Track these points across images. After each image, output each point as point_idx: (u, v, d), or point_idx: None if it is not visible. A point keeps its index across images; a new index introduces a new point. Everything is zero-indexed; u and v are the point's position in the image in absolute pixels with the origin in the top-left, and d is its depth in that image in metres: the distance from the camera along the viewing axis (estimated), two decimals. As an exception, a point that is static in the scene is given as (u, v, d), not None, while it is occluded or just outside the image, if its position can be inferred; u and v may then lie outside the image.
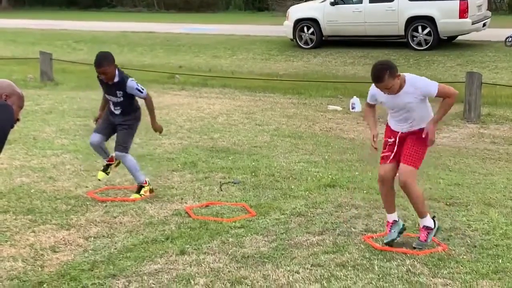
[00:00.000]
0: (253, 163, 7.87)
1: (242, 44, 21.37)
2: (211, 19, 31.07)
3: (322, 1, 19.61)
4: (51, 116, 10.77)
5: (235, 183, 7.04)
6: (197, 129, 9.91)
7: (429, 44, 18.29)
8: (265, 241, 5.43)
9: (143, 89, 6.45)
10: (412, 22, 18.30)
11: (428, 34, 18.22)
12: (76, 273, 4.78)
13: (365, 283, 4.61)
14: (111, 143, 6.79)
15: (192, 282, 4.64)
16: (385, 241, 5.34)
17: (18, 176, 7.21)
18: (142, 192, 6.56)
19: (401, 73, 5.14)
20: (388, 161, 5.35)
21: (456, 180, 7.33)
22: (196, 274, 4.76)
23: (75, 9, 39.37)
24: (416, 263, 4.96)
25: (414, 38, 18.42)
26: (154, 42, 22.57)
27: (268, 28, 24.26)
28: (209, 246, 5.29)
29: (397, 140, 5.32)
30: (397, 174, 5.29)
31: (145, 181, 6.62)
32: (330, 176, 7.31)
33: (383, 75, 5.03)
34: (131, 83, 6.38)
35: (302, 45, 19.83)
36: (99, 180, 6.79)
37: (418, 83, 5.19)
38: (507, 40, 18.22)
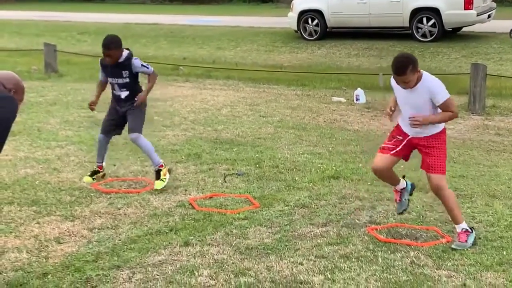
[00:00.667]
0: (257, 155, 7.87)
1: (246, 36, 21.33)
2: (215, 10, 31.01)
3: (327, -8, 19.55)
4: (56, 107, 10.78)
5: (239, 175, 7.04)
6: (201, 121, 9.91)
7: (434, 35, 18.22)
8: (269, 232, 5.43)
9: (148, 65, 6.55)
10: (417, 13, 18.23)
11: (433, 25, 18.15)
12: (81, 264, 4.79)
13: (369, 275, 4.62)
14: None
15: (196, 273, 4.64)
16: (397, 212, 5.43)
17: (22, 168, 7.22)
18: (162, 176, 6.55)
19: (420, 70, 5.08)
20: (387, 153, 5.30)
21: (460, 172, 7.32)
22: (200, 266, 4.77)
23: (79, 0, 39.36)
24: (420, 255, 4.95)
25: (419, 30, 18.36)
26: (158, 34, 22.54)
27: (272, 19, 24.21)
28: (213, 238, 5.30)
29: (405, 141, 5.27)
30: (428, 182, 5.25)
31: (161, 163, 6.61)
32: (334, 167, 7.30)
33: (406, 68, 4.95)
34: (136, 61, 6.45)
35: (307, 37, 19.78)
36: (83, 182, 6.70)
37: (431, 83, 5.08)
38: (512, 31, 18.16)
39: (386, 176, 5.46)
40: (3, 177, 6.82)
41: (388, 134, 5.46)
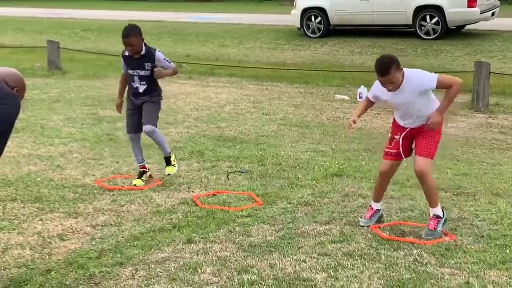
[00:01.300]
0: (260, 152, 7.87)
1: (250, 33, 21.33)
2: (218, 8, 31.02)
3: (330, -10, 19.54)
4: (59, 104, 10.79)
5: (242, 172, 7.04)
6: (204, 118, 9.91)
7: (437, 33, 18.20)
8: (272, 230, 5.43)
9: (170, 61, 6.60)
10: (420, 11, 18.21)
11: (436, 23, 18.13)
12: (84, 261, 4.79)
13: (372, 273, 4.61)
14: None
15: (199, 270, 4.64)
16: (361, 224, 5.48)
17: (25, 165, 7.23)
18: (172, 162, 6.75)
19: (402, 68, 5.12)
20: (391, 158, 5.40)
21: (463, 170, 7.31)
22: (203, 263, 4.77)
23: (83, -3, 39.36)
24: (423, 252, 4.95)
25: (422, 28, 18.33)
26: (162, 31, 22.54)
27: (276, 17, 24.20)
28: (216, 235, 5.30)
29: (403, 135, 5.31)
30: (414, 164, 5.27)
31: (170, 151, 6.78)
32: (337, 165, 7.30)
33: (389, 67, 4.99)
34: (159, 54, 6.49)
35: (310, 34, 19.78)
36: (134, 185, 6.57)
37: (415, 78, 5.12)
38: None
39: (385, 184, 5.58)
40: (6, 174, 6.83)
41: (389, 135, 5.48)
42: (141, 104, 6.56)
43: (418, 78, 5.14)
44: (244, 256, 4.89)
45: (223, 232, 5.37)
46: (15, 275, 4.58)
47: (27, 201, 6.07)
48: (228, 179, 6.85)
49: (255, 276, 4.56)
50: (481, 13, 18.00)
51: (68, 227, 5.48)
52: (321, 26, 19.58)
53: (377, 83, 5.29)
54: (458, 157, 7.99)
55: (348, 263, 4.77)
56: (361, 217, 5.68)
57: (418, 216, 5.75)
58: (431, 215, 5.35)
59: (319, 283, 4.46)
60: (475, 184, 6.72)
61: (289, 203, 6.08)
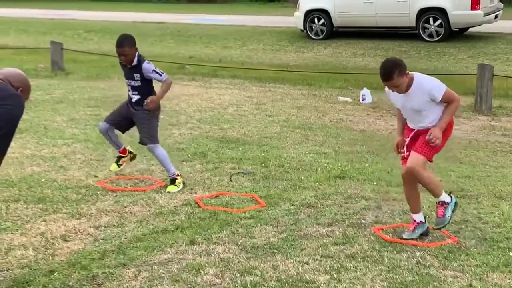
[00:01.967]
0: (263, 154, 7.87)
1: (253, 35, 21.34)
2: (221, 9, 31.04)
3: (333, -8, 19.54)
4: (62, 105, 10.80)
5: (245, 174, 7.04)
6: (207, 120, 9.91)
7: (441, 35, 18.18)
8: (275, 231, 5.43)
9: (162, 73, 6.43)
10: (424, 13, 18.20)
11: (440, 25, 18.12)
12: (87, 262, 4.80)
13: (374, 275, 4.61)
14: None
15: (202, 272, 4.65)
16: (404, 237, 5.28)
17: (29, 165, 7.24)
18: (176, 183, 6.52)
19: (409, 72, 5.08)
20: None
21: (467, 172, 7.30)
22: (206, 264, 4.77)
23: (86, -1, 39.42)
24: (426, 255, 4.95)
25: (426, 30, 18.33)
26: (165, 33, 22.56)
27: (279, 18, 24.21)
28: (219, 236, 5.30)
29: (411, 139, 5.28)
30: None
31: (177, 173, 6.59)
32: (340, 167, 7.30)
33: (392, 72, 4.95)
34: (147, 65, 6.34)
35: (313, 36, 19.77)
36: (110, 170, 6.79)
37: (425, 84, 5.09)
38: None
39: (412, 188, 5.33)
40: (9, 174, 6.84)
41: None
42: (137, 118, 6.49)
43: (427, 83, 5.10)
44: (247, 258, 4.89)
45: (226, 233, 5.38)
46: (18, 275, 4.58)
47: (30, 201, 6.08)
48: (231, 180, 6.85)
49: (258, 277, 4.56)
50: (484, 16, 17.99)
51: (71, 228, 5.48)
52: (324, 28, 19.58)
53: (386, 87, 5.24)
54: (461, 159, 7.98)
55: (351, 265, 4.77)
56: (364, 219, 5.67)
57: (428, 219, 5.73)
58: (437, 203, 5.27)
59: (322, 285, 4.46)
60: (478, 187, 6.72)
61: (292, 205, 6.08)
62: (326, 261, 4.82)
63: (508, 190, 6.62)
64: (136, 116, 6.51)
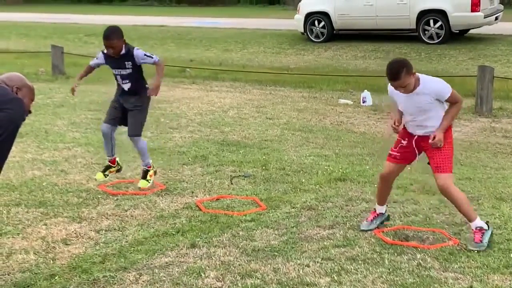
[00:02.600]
0: (263, 157, 7.87)
1: (253, 38, 21.35)
2: (222, 12, 31.07)
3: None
4: (63, 109, 10.82)
5: (245, 177, 7.05)
6: (207, 123, 9.92)
7: (441, 37, 18.19)
8: (276, 234, 5.43)
9: (152, 55, 6.44)
10: (424, 15, 18.20)
11: (440, 27, 18.13)
12: (88, 265, 4.80)
13: (375, 277, 4.61)
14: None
15: (203, 275, 4.65)
16: (361, 228, 5.46)
17: (30, 169, 7.25)
18: (148, 177, 6.57)
19: (416, 72, 5.09)
20: (394, 161, 5.38)
21: (467, 174, 7.30)
22: (207, 267, 4.77)
23: (87, 3, 39.49)
24: (426, 257, 4.95)
25: (426, 32, 18.33)
26: (165, 36, 22.58)
27: (279, 21, 24.23)
28: (220, 239, 5.31)
29: (414, 144, 5.28)
30: (435, 182, 5.24)
31: (150, 164, 6.64)
32: (340, 170, 7.30)
33: (400, 72, 4.95)
34: (138, 52, 6.36)
35: (313, 39, 19.79)
36: (95, 180, 6.71)
37: (432, 84, 5.12)
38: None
39: (387, 188, 5.54)
40: (10, 178, 6.85)
41: (396, 137, 5.46)
42: (128, 109, 6.51)
43: (435, 84, 5.13)
44: (247, 261, 4.89)
45: (227, 236, 5.38)
46: (19, 279, 4.59)
47: (31, 205, 6.09)
48: (232, 183, 6.85)
49: (258, 280, 4.56)
50: (484, 18, 18.00)
51: (72, 231, 5.49)
52: (324, 31, 19.59)
53: (389, 86, 5.24)
54: (462, 161, 7.98)
55: (352, 267, 4.77)
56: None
57: (422, 220, 5.75)
58: (473, 228, 5.18)
59: (323, 287, 4.46)
60: (479, 189, 6.72)
61: (293, 208, 6.08)
62: (327, 264, 4.83)
63: (509, 192, 6.62)
64: (128, 105, 6.50)
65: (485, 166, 7.78)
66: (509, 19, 20.22)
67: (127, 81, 6.45)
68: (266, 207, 6.07)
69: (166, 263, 4.86)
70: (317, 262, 4.86)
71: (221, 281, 4.56)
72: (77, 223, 5.68)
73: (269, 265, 4.80)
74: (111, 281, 4.57)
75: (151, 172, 6.63)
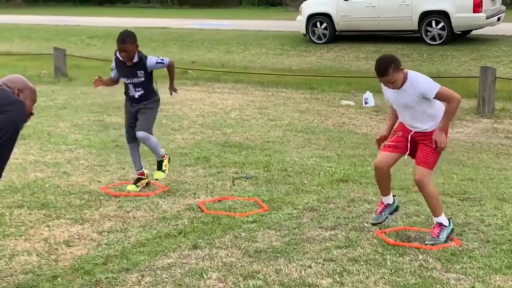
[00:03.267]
0: (265, 158, 7.88)
1: (255, 39, 21.36)
2: (224, 14, 31.09)
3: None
4: (65, 111, 10.83)
5: (247, 178, 7.05)
6: (209, 124, 9.93)
7: (443, 38, 18.17)
8: (278, 235, 5.44)
9: (163, 59, 6.51)
10: (426, 16, 18.19)
11: (442, 28, 18.11)
12: (90, 267, 4.81)
13: (377, 278, 4.61)
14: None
15: (205, 276, 4.66)
16: (371, 222, 5.47)
17: (32, 171, 7.26)
18: (163, 167, 6.64)
19: (404, 69, 5.13)
20: (389, 150, 5.37)
21: (469, 175, 7.30)
22: (209, 269, 4.78)
23: (89, 5, 39.56)
24: (429, 258, 4.95)
25: (428, 33, 18.32)
26: (167, 38, 22.60)
27: (281, 23, 24.24)
28: (222, 241, 5.31)
29: (409, 138, 5.30)
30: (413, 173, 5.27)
31: (163, 153, 6.69)
32: (342, 171, 7.30)
33: (387, 68, 5.02)
34: (151, 59, 6.44)
35: (315, 40, 19.78)
36: (128, 191, 6.60)
37: (418, 82, 5.13)
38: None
39: (384, 177, 5.47)
40: (13, 180, 6.86)
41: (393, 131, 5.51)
42: (137, 111, 6.56)
43: (419, 82, 5.14)
44: (249, 262, 4.89)
45: (229, 237, 5.38)
46: (21, 281, 4.60)
47: (33, 207, 6.10)
48: (234, 185, 6.86)
49: (260, 281, 4.57)
50: (486, 18, 17.97)
51: (75, 233, 5.50)
52: (326, 32, 19.59)
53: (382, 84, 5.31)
54: (464, 162, 7.98)
55: (354, 268, 4.77)
56: (367, 223, 5.67)
57: (424, 221, 5.74)
58: (435, 223, 5.33)
59: (325, 288, 4.47)
60: (481, 189, 6.71)
61: (295, 209, 6.09)
62: (329, 265, 4.83)
63: (511, 192, 6.61)
64: (139, 108, 6.55)
65: (487, 167, 7.78)
66: (511, 20, 20.19)
67: (140, 89, 6.50)
68: (268, 208, 6.07)
69: (168, 264, 4.87)
70: (319, 263, 4.86)
71: (223, 282, 4.56)
72: (79, 225, 5.69)
73: (271, 266, 4.81)
74: (113, 283, 4.58)
75: (165, 162, 6.69)
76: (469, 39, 19.01)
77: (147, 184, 6.81)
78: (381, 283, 4.53)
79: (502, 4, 20.10)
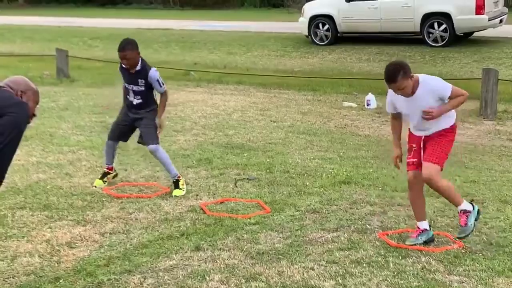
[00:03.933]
0: (268, 160, 7.87)
1: (257, 41, 21.35)
2: (226, 15, 31.08)
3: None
4: (67, 112, 10.84)
5: (250, 180, 7.05)
6: (212, 126, 9.93)
7: (445, 40, 18.15)
8: (280, 237, 5.43)
9: (163, 84, 6.53)
10: (428, 18, 18.17)
11: (444, 30, 18.09)
12: (92, 268, 4.81)
13: (380, 280, 4.61)
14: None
15: (207, 278, 4.65)
16: (407, 243, 5.26)
17: (34, 173, 7.26)
18: (180, 186, 6.61)
19: (414, 74, 5.09)
20: (414, 168, 5.29)
21: (472, 177, 7.29)
22: (211, 270, 4.77)
23: (91, 6, 39.57)
24: (431, 260, 4.94)
25: (430, 35, 18.30)
26: (169, 39, 22.60)
27: (283, 24, 24.22)
28: (224, 243, 5.31)
29: (421, 144, 5.26)
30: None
31: (179, 174, 6.67)
32: (345, 172, 7.29)
33: (396, 75, 4.95)
34: (154, 73, 6.44)
35: (317, 42, 19.77)
36: (94, 187, 6.73)
37: (432, 84, 5.12)
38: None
39: (418, 196, 5.34)
40: (15, 182, 6.86)
41: (407, 145, 5.42)
42: (134, 119, 6.59)
43: (434, 82, 5.14)
44: (252, 264, 4.89)
45: (231, 239, 5.38)
46: (24, 283, 4.59)
47: (36, 209, 6.10)
48: (236, 186, 6.86)
49: (263, 283, 4.56)
50: (489, 20, 17.95)
51: (77, 234, 5.50)
52: (328, 34, 19.57)
53: (389, 92, 5.23)
54: (467, 164, 7.97)
55: (356, 270, 4.76)
56: (369, 225, 5.67)
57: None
58: (459, 211, 5.25)
59: (327, 290, 4.46)
60: (484, 192, 6.70)
61: (297, 211, 6.08)
62: (331, 267, 4.82)
63: (514, 194, 6.61)
64: (138, 119, 6.58)
65: (490, 169, 7.77)
66: (514, 22, 20.17)
67: (139, 97, 6.53)
68: (270, 210, 6.07)
69: (171, 266, 4.87)
70: (322, 265, 4.86)
71: (225, 284, 4.56)
72: (81, 226, 5.69)
73: (273, 268, 4.80)
74: (115, 284, 4.58)
75: (182, 181, 6.66)
76: (471, 41, 18.99)
77: (115, 177, 6.90)
78: (383, 285, 4.53)
79: (505, 6, 20.08)
